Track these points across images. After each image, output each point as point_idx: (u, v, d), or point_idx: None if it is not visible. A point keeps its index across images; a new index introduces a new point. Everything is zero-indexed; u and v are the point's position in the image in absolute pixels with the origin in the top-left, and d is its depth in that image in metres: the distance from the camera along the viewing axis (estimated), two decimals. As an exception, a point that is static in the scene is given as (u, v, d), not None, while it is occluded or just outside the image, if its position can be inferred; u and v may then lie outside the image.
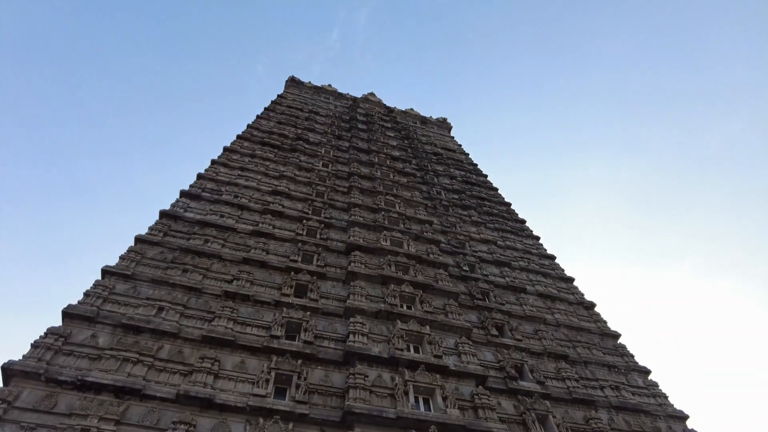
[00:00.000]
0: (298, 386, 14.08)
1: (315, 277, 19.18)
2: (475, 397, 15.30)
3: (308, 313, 17.06)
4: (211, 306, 16.60)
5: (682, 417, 18.98)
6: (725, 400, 75.96)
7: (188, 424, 12.22)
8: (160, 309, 15.60)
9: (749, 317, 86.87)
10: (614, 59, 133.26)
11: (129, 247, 18.05)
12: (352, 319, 16.98)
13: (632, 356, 22.05)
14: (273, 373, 14.32)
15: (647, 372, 21.23)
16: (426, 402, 14.98)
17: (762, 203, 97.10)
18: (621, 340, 23.16)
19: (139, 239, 18.66)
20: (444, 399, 14.73)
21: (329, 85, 50.80)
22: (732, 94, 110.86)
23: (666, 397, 20.06)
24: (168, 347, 14.50)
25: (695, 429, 18.45)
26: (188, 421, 12.29)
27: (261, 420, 12.80)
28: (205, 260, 18.57)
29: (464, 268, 24.24)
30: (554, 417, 16.06)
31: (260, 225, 21.80)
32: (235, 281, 17.94)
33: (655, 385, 20.62)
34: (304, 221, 23.05)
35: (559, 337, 21.36)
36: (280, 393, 14.25)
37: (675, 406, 19.54)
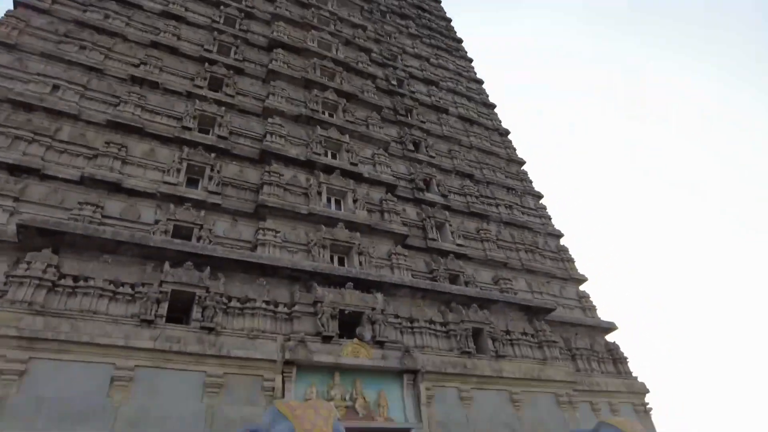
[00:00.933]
0: (211, 178, 14.22)
1: (232, 72, 17.97)
2: (383, 202, 16.48)
3: (223, 108, 16.37)
4: (115, 90, 15.33)
5: (558, 235, 22.00)
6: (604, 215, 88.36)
7: (95, 206, 12.21)
8: (56, 87, 14.19)
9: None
10: None
11: (7, 12, 15.46)
12: (270, 120, 16.65)
13: (531, 182, 24.24)
14: (185, 164, 14.21)
15: (540, 196, 23.68)
16: (338, 203, 15.94)
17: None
18: (525, 167, 25.14)
19: (20, 3, 15.95)
20: (354, 201, 15.73)
21: None
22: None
23: (550, 219, 22.86)
24: (68, 129, 13.62)
25: (567, 246, 21.60)
26: (95, 202, 12.25)
27: (172, 206, 13.06)
28: (106, 38, 16.53)
29: (392, 82, 23.80)
30: (450, 225, 17.92)
31: (170, 5, 19.22)
32: (142, 66, 16.39)
33: (543, 207, 23.25)
34: (222, 7, 20.61)
35: (470, 159, 22.69)
36: (192, 183, 14.36)
37: (555, 226, 22.47)
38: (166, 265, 11.17)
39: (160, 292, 10.76)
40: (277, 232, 13.62)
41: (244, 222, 13.94)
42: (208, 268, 11.56)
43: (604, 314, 21.77)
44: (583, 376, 16.08)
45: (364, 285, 13.19)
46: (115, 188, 12.83)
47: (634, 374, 17.78)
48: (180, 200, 13.37)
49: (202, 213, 13.31)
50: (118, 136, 13.95)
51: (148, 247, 11.26)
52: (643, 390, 17.32)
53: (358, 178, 16.66)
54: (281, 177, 14.97)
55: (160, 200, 13.25)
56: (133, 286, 10.74)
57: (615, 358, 17.91)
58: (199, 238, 12.81)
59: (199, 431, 9.43)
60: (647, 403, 17.25)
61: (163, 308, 10.63)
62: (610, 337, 18.96)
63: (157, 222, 12.69)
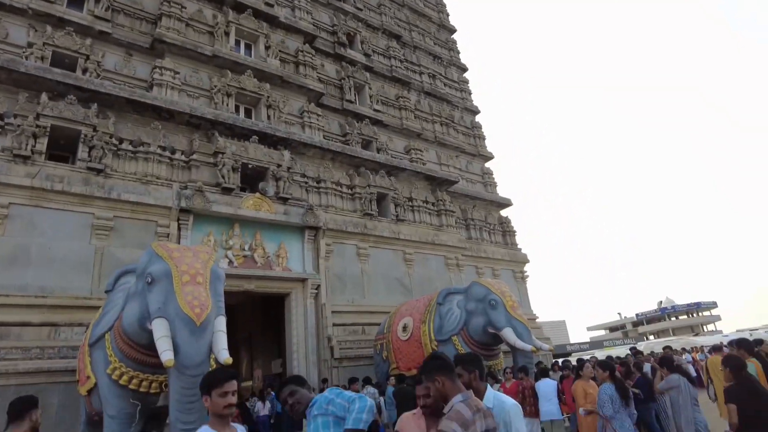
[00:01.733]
0: (98, 1, 12.22)
1: None
2: (300, 53, 15.33)
3: None
4: None
5: (475, 111, 22.26)
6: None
7: (-54, 14, 10.19)
8: None
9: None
10: None
11: None
12: (172, -63, 14.13)
13: (458, 52, 23.64)
14: (63, -22, 11.98)
15: (464, 69, 23.34)
16: (248, 48, 14.57)
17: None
18: (455, 36, 24.27)
19: None
20: (267, 48, 14.46)
21: None
22: None
23: (470, 94, 22.89)
24: None
25: (481, 123, 22.01)
26: (-56, 9, 10.20)
27: (49, 29, 11.24)
28: None
29: None
30: (370, 89, 17.32)
31: None
32: None
33: (465, 81, 23.07)
34: None
35: (400, 17, 21.35)
36: (75, 4, 12.26)
37: (474, 102, 22.62)
38: (44, 97, 9.96)
39: (37, 126, 9.70)
40: (177, 72, 12.35)
41: (139, 57, 12.45)
42: (96, 105, 10.48)
43: (503, 191, 23.34)
44: (473, 243, 17.59)
45: (271, 140, 12.78)
46: (-30, -5, 10.67)
47: (519, 246, 19.79)
48: (60, 22, 11.52)
49: (88, 41, 11.64)
50: (-30, -73, 11.23)
51: (18, 72, 9.85)
52: (524, 260, 19.44)
53: (273, 21, 15.13)
54: (183, 9, 13.19)
55: (33, 19, 11.32)
56: (2, 117, 9.55)
57: (505, 230, 19.65)
58: (85, 71, 11.35)
59: (87, 271, 9.31)
60: (525, 272, 19.52)
61: (42, 144, 9.69)
62: (504, 212, 20.57)
63: (31, 45, 10.97)
